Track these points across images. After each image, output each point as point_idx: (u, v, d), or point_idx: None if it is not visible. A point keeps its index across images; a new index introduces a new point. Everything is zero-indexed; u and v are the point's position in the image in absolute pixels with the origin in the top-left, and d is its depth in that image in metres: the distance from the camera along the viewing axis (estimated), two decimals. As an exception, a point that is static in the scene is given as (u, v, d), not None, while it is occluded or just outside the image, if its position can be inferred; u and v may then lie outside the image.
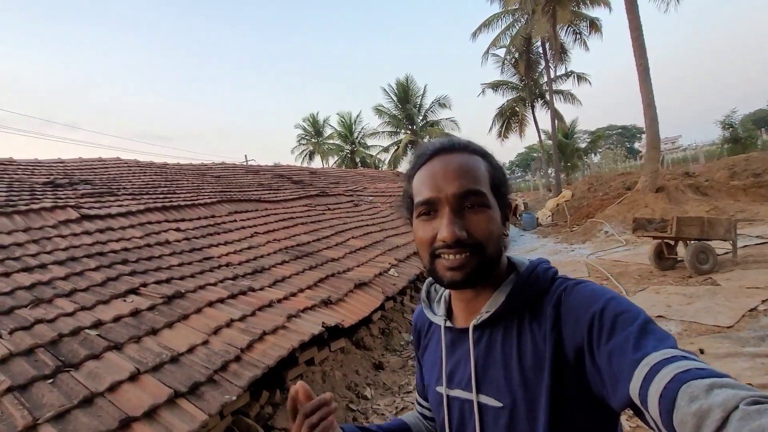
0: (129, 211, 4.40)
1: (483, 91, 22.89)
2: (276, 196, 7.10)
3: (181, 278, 3.19)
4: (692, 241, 5.08)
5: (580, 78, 20.85)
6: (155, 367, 2.10)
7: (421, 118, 27.95)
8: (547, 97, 20.65)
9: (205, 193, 6.22)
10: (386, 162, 29.10)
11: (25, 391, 1.82)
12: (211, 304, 2.84)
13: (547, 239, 10.60)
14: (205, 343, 2.39)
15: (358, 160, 32.07)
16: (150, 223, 4.33)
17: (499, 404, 0.55)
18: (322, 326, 2.82)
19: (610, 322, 0.46)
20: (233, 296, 3.03)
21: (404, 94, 27.56)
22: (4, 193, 4.32)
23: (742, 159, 12.26)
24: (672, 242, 5.45)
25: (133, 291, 2.86)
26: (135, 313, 2.57)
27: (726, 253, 5.36)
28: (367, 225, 6.61)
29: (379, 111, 27.60)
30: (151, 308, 2.66)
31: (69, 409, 1.75)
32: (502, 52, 21.01)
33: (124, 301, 2.72)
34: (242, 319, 2.71)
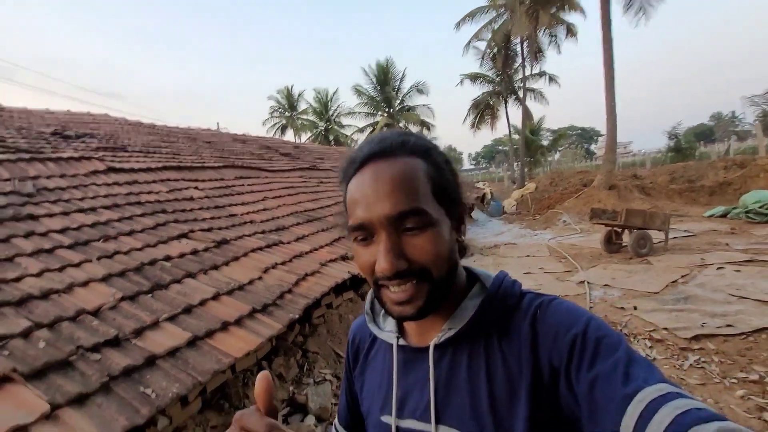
0: (149, 167, 4.66)
1: (461, 81, 23.70)
2: (272, 166, 7.42)
3: (220, 229, 3.62)
4: (635, 230, 6.14)
5: (552, 79, 22.18)
6: (229, 291, 2.60)
7: (398, 102, 28.30)
8: (520, 93, 21.82)
9: (207, 157, 6.45)
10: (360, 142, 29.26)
11: (134, 302, 2.27)
12: (253, 250, 3.32)
13: (512, 225, 11.67)
14: (260, 278, 2.90)
15: (332, 138, 31.99)
16: (170, 180, 4.62)
17: None
18: (348, 274, 3.41)
19: (592, 346, 0.43)
20: (268, 246, 3.52)
21: (384, 76, 27.67)
22: (22, 139, 4.42)
23: (681, 166, 13.99)
24: (619, 230, 6.52)
25: (184, 236, 3.27)
26: (195, 252, 3.01)
27: (659, 242, 6.49)
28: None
29: (358, 91, 27.62)
30: (205, 250, 3.11)
31: (176, 314, 2.23)
32: (482, 45, 21.83)
33: (179, 242, 3.14)
34: (283, 263, 3.23)
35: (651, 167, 19.56)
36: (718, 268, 4.85)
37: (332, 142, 30.97)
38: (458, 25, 20.95)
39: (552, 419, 0.45)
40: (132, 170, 4.42)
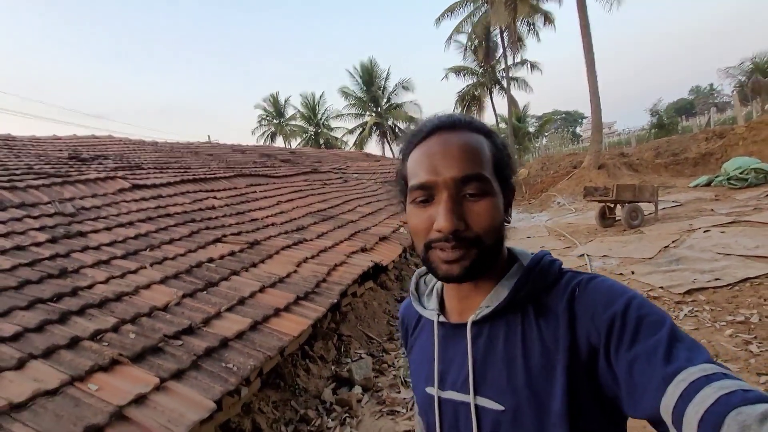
0: (169, 182, 4.91)
1: (446, 76, 24.05)
2: (277, 173, 7.68)
3: (247, 232, 3.90)
4: (626, 204, 6.53)
5: (533, 66, 22.63)
6: (272, 284, 2.89)
7: (385, 100, 28.56)
8: (504, 83, 22.25)
9: (215, 169, 6.70)
10: (352, 144, 29.55)
11: (194, 298, 2.56)
12: (283, 248, 3.61)
13: (509, 211, 12.06)
14: (296, 271, 3.20)
15: (322, 141, 32.17)
16: (190, 192, 4.88)
17: (500, 407, 0.50)
18: (371, 262, 3.71)
19: (633, 325, 0.43)
20: (295, 244, 3.82)
21: (368, 76, 27.91)
22: (46, 165, 4.65)
23: (665, 141, 14.51)
24: (612, 205, 6.91)
25: (218, 240, 3.55)
26: (232, 253, 3.30)
27: (650, 213, 6.89)
28: (363, 197, 7.45)
29: (344, 93, 27.85)
30: (241, 251, 3.39)
31: (233, 305, 2.52)
32: (463, 38, 22.21)
33: (216, 246, 3.42)
34: (312, 257, 3.52)
35: (636, 145, 20.12)
36: (705, 231, 5.24)
37: (323, 146, 31.17)
38: (438, 21, 21.27)
39: (590, 396, 0.46)
40: (154, 185, 4.67)
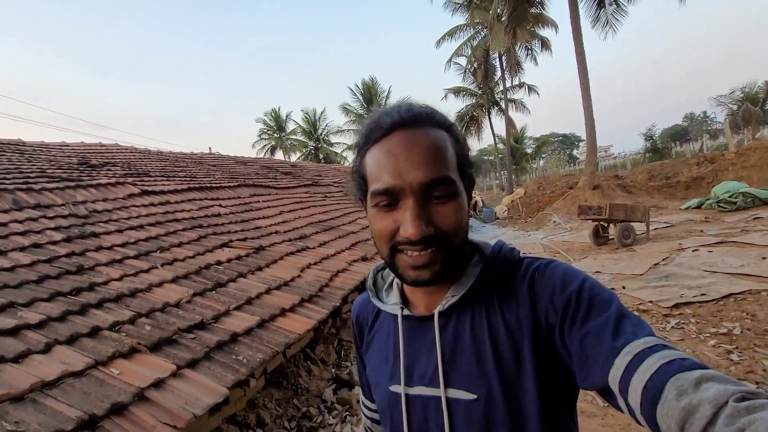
0: (176, 189, 5.07)
1: (446, 96, 24.66)
2: (279, 184, 7.86)
3: (253, 238, 4.04)
4: (619, 223, 6.73)
5: (531, 89, 23.31)
6: (277, 287, 3.01)
7: (385, 118, 29.06)
8: (502, 104, 22.84)
9: (220, 179, 6.87)
10: (351, 160, 29.84)
11: (204, 296, 2.68)
12: (287, 254, 3.75)
13: (506, 228, 12.25)
14: (300, 276, 3.32)
15: (321, 156, 32.58)
16: (196, 199, 5.03)
17: (472, 396, 0.50)
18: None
19: (586, 304, 0.45)
20: (299, 251, 3.95)
21: (369, 94, 28.56)
22: (58, 169, 4.80)
23: (658, 165, 14.89)
24: (605, 224, 7.11)
25: (225, 245, 3.68)
26: (239, 257, 3.43)
27: (642, 233, 7.09)
28: (361, 210, 7.61)
29: (345, 109, 28.43)
30: (247, 255, 3.53)
31: (241, 304, 2.64)
32: (463, 60, 22.92)
33: (223, 250, 3.55)
34: (315, 264, 3.66)
35: (631, 168, 20.57)
36: (694, 251, 5.42)
37: (322, 161, 31.55)
38: (438, 43, 22.05)
39: (556, 374, 0.48)
40: (162, 192, 4.83)
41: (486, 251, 0.56)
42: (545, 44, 19.74)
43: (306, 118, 33.02)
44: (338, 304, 3.01)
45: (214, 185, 5.87)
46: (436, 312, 0.54)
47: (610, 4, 12.11)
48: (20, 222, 3.18)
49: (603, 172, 20.05)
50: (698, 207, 9.50)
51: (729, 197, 8.53)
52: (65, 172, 4.74)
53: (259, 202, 5.91)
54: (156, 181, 5.37)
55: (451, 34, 21.51)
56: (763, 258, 4.54)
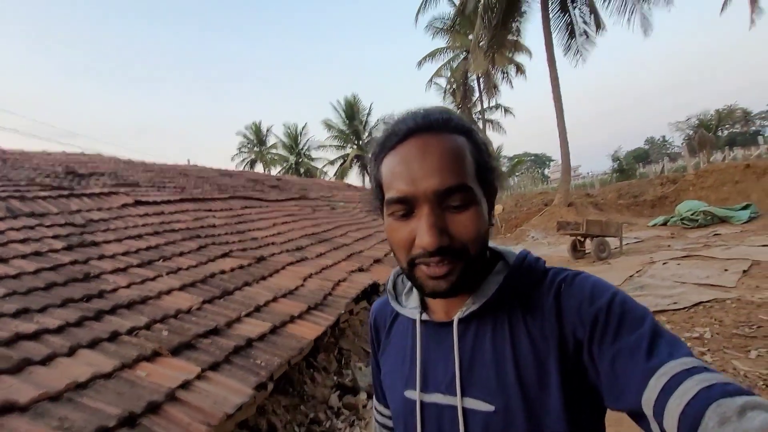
0: (169, 200, 5.04)
1: (426, 115, 25.37)
2: (268, 197, 7.88)
3: (252, 249, 4.08)
4: (595, 237, 7.15)
5: (507, 110, 24.39)
6: (283, 295, 3.08)
7: (366, 134, 29.55)
8: (480, 124, 23.75)
9: (210, 190, 6.84)
10: (332, 174, 30.04)
11: (213, 304, 2.72)
12: (288, 264, 3.81)
13: (486, 244, 12.63)
14: (303, 285, 3.40)
15: (302, 170, 32.56)
16: (190, 210, 5.02)
17: (490, 408, 0.49)
18: (371, 280, 3.96)
19: (617, 320, 0.43)
20: (298, 261, 4.02)
21: (351, 110, 29.01)
22: (46, 178, 4.69)
23: (626, 184, 15.82)
24: (582, 239, 7.52)
25: (226, 255, 3.71)
26: (242, 267, 3.47)
27: (616, 248, 7.54)
28: (352, 224, 7.74)
29: (328, 125, 28.71)
30: (249, 265, 3.57)
31: (251, 312, 2.70)
32: (443, 81, 23.80)
33: (224, 260, 3.59)
34: (316, 273, 3.74)
35: (599, 187, 21.67)
36: (663, 263, 5.84)
37: (303, 175, 31.51)
38: (420, 63, 22.82)
39: (583, 392, 0.45)
40: (156, 203, 4.80)
41: (510, 259, 0.54)
42: (520, 69, 20.84)
43: (288, 132, 33.07)
44: (343, 311, 3.10)
45: (206, 197, 5.85)
46: (455, 318, 0.53)
47: (581, 35, 13.05)
48: (17, 230, 3.13)
49: (574, 190, 21.06)
50: (664, 224, 10.18)
51: (691, 215, 9.21)
52: (54, 181, 4.65)
53: (251, 214, 5.93)
54: (147, 191, 5.32)
55: (431, 55, 22.35)
56: (725, 270, 4.97)
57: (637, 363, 0.40)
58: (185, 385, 1.77)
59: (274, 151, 34.17)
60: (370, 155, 0.56)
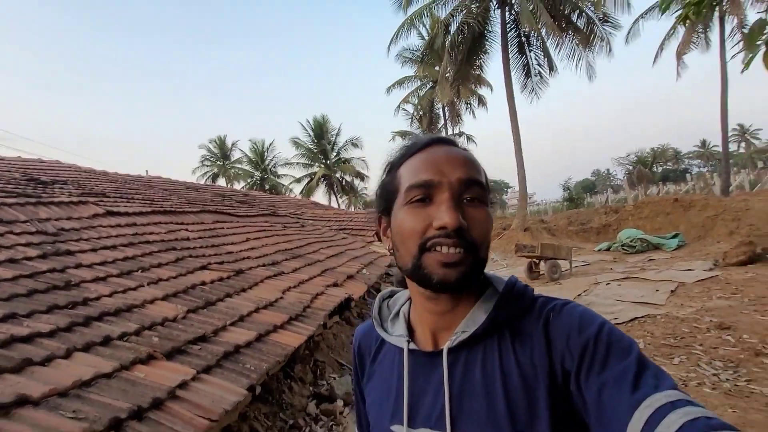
0: (141, 211, 4.99)
1: (393, 138, 26.20)
2: (238, 212, 7.86)
3: (229, 262, 4.15)
4: (548, 260, 7.79)
5: (469, 138, 25.79)
6: (264, 306, 3.20)
7: (334, 154, 29.88)
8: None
9: (180, 203, 6.75)
10: (298, 192, 29.88)
11: (197, 313, 2.80)
12: (266, 278, 3.92)
13: (449, 264, 13.15)
14: (282, 297, 3.53)
15: (268, 186, 32.11)
16: (162, 223, 4.98)
17: None
18: (346, 294, 4.15)
19: (604, 350, 0.44)
20: (275, 275, 4.14)
21: (320, 130, 29.32)
22: (8, 185, 4.50)
23: (575, 212, 17.21)
24: (537, 261, 8.15)
25: (204, 267, 3.77)
26: (221, 279, 3.55)
27: (566, 270, 8.23)
28: (323, 241, 7.88)
29: (295, 143, 28.76)
30: (228, 278, 3.65)
31: (235, 321, 2.81)
32: (410, 108, 24.87)
33: (203, 272, 3.65)
34: (294, 287, 3.88)
35: (552, 214, 23.28)
36: (607, 284, 6.52)
37: (269, 191, 31.10)
38: (389, 89, 23.78)
39: (571, 422, 0.45)
40: (127, 213, 4.73)
41: (498, 286, 0.55)
42: (482, 101, 22.34)
43: (254, 148, 32.67)
44: (322, 322, 3.27)
45: (176, 210, 5.81)
46: (445, 348, 0.52)
47: (536, 75, 14.38)
48: (-15, 236, 3.04)
49: (530, 216, 22.45)
50: (608, 249, 11.20)
51: (630, 242, 10.26)
52: (18, 188, 4.48)
53: (223, 228, 5.93)
54: (117, 202, 5.22)
55: (400, 83, 23.39)
56: (657, 290, 5.66)
57: (623, 394, 0.40)
58: (183, 385, 1.88)
59: (238, 166, 33.53)
60: (385, 167, 0.58)
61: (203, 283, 3.34)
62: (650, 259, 8.76)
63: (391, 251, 0.55)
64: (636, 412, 0.38)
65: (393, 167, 0.56)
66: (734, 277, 5.85)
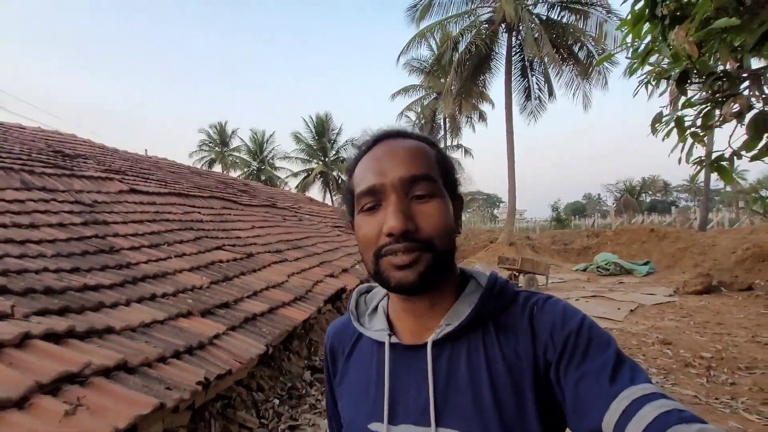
0: (159, 192, 5.42)
1: (393, 143, 26.84)
2: (242, 201, 8.30)
3: (240, 246, 4.62)
4: (527, 273, 8.39)
5: (467, 151, 26.50)
6: (273, 286, 3.69)
7: (333, 153, 30.30)
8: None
9: (189, 187, 7.17)
10: (294, 186, 30.21)
11: (219, 285, 3.28)
12: (273, 263, 4.40)
13: (435, 270, 13.71)
14: (287, 281, 4.01)
15: (264, 177, 32.35)
16: (177, 204, 5.42)
17: None
18: (342, 284, 4.65)
19: (584, 344, 0.45)
20: (280, 261, 4.62)
21: (322, 127, 29.70)
22: (39, 155, 4.90)
23: (559, 233, 17.97)
24: (517, 273, 8.75)
25: (219, 248, 4.24)
26: (236, 259, 4.02)
27: (542, 285, 8.83)
28: (319, 236, 8.35)
29: (297, 138, 29.11)
30: (241, 258, 4.13)
31: (250, 295, 3.29)
32: (413, 115, 25.49)
33: (219, 252, 4.11)
34: (297, 273, 4.36)
35: (539, 232, 24.07)
36: (576, 300, 7.12)
37: (265, 182, 31.35)
38: (393, 96, 24.38)
39: (554, 412, 0.47)
40: (148, 193, 5.16)
41: (481, 280, 0.55)
42: (483, 116, 23.05)
43: (254, 138, 32.92)
44: (322, 304, 3.77)
45: (188, 193, 6.24)
46: (429, 341, 0.52)
47: (535, 99, 15.09)
48: (35, 201, 3.47)
49: (518, 232, 23.20)
50: (584, 270, 11.89)
51: (605, 265, 10.95)
52: (49, 159, 4.88)
53: (230, 214, 6.38)
54: (136, 181, 5.64)
55: (405, 90, 24.01)
56: (618, 308, 6.27)
57: (601, 386, 0.42)
58: (217, 336, 2.37)
59: (236, 153, 33.72)
60: (346, 171, 0.59)
61: (221, 261, 3.80)
62: (620, 282, 9.44)
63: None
64: (613, 403, 0.40)
65: (350, 171, 0.57)
66: (689, 304, 6.50)
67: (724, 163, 1.71)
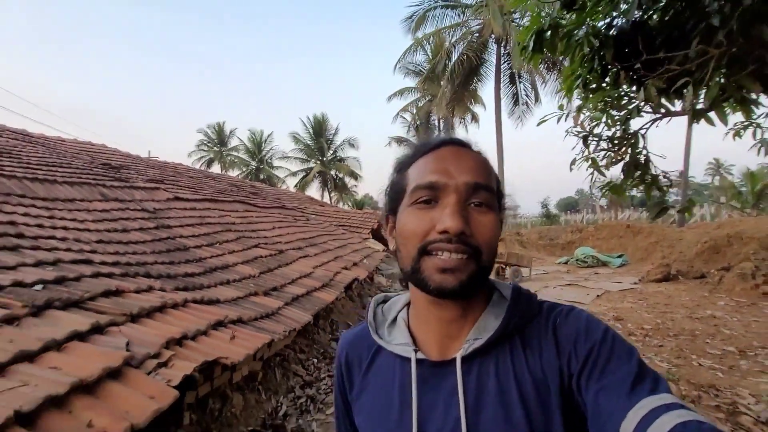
0: (196, 198, 6.33)
1: (390, 143, 27.76)
2: (257, 203, 9.21)
3: (270, 244, 5.57)
4: (513, 266, 9.44)
5: (460, 151, 27.54)
6: (305, 276, 4.65)
7: (331, 152, 31.15)
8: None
9: (214, 193, 8.07)
10: (293, 186, 31.01)
11: (266, 274, 4.23)
12: (299, 258, 5.36)
13: (431, 265, 14.75)
14: (313, 272, 4.98)
15: (262, 177, 33.11)
16: (212, 209, 6.34)
17: None
18: (356, 275, 5.63)
19: (607, 355, 0.45)
20: (304, 257, 5.58)
21: (319, 128, 30.53)
22: (98, 168, 5.79)
23: (546, 229, 19.07)
24: (504, 266, 9.80)
25: (257, 246, 5.18)
26: (271, 255, 4.98)
27: (526, 276, 9.89)
28: (328, 234, 9.30)
29: (295, 138, 29.92)
30: (275, 254, 5.08)
31: (288, 283, 4.24)
32: (408, 116, 26.46)
33: (257, 249, 5.06)
34: (320, 266, 5.33)
35: (530, 228, 25.24)
36: (553, 288, 8.19)
37: (263, 182, 32.13)
38: (389, 98, 25.30)
39: (580, 423, 0.46)
40: (187, 200, 6.08)
41: (504, 291, 0.55)
42: (474, 117, 24.09)
43: (252, 137, 33.62)
44: (342, 290, 4.74)
45: (217, 198, 7.16)
46: (458, 356, 0.52)
47: (523, 104, 16.14)
48: (116, 210, 4.39)
49: (509, 229, 24.33)
50: (566, 263, 13.01)
51: (584, 258, 12.07)
52: (107, 173, 5.77)
53: (253, 216, 7.30)
54: (174, 188, 6.55)
55: (401, 92, 24.94)
56: (587, 294, 7.34)
57: (620, 396, 0.42)
58: (279, 309, 3.33)
59: (235, 153, 34.42)
60: (395, 166, 0.59)
61: (261, 257, 4.76)
62: (596, 273, 10.56)
63: (395, 252, 0.54)
64: (630, 412, 0.40)
65: (402, 166, 0.57)
66: (648, 290, 7.59)
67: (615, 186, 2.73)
